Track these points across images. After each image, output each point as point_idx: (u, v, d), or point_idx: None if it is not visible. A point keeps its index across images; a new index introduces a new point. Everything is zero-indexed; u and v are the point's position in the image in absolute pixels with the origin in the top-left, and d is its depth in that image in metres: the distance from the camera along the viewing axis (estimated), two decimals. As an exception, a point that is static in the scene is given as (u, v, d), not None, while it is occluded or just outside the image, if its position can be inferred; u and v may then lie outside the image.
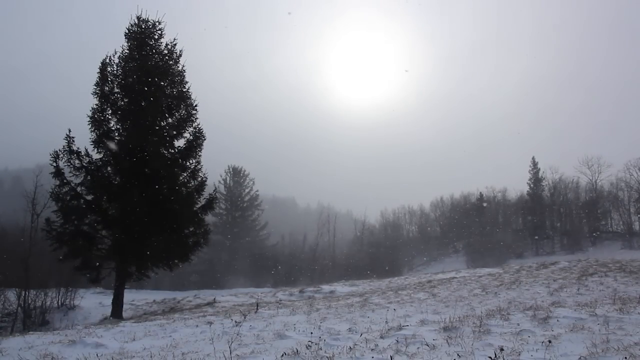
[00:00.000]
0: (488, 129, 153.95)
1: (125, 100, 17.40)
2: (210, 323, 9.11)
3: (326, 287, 21.56)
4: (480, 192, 79.85)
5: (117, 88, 17.44)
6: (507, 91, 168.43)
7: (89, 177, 16.53)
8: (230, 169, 55.61)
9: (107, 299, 19.38)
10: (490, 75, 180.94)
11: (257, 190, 55.99)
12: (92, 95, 17.09)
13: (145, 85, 17.26)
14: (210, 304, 18.96)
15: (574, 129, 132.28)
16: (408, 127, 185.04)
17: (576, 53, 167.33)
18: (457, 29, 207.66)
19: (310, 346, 5.59)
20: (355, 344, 5.57)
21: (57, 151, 16.26)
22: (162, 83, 17.87)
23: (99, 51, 17.81)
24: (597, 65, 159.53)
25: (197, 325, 9.00)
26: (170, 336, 7.81)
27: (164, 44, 18.18)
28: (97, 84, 17.13)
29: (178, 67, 18.36)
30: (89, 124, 16.82)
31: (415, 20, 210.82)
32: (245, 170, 56.18)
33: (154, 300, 21.50)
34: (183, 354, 5.98)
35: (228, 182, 55.08)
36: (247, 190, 55.70)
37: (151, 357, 5.95)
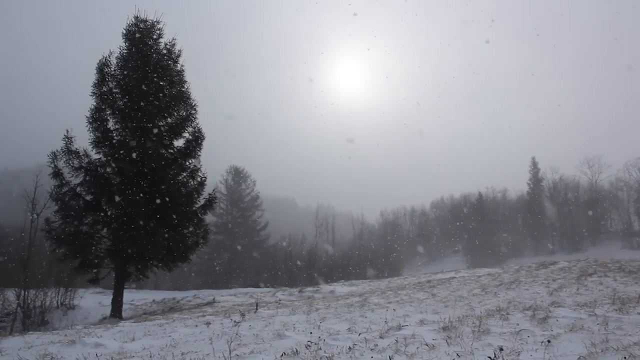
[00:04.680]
0: (488, 129, 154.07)
1: (124, 100, 17.37)
2: (209, 323, 9.11)
3: (325, 287, 21.55)
4: (480, 192, 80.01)
5: (115, 88, 17.41)
6: (507, 91, 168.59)
7: (88, 178, 16.54)
8: (232, 169, 55.67)
9: (107, 299, 19.37)
10: (490, 76, 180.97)
11: (258, 191, 56.08)
12: (90, 96, 17.06)
13: (144, 85, 17.25)
14: (209, 303, 18.94)
15: (575, 129, 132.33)
16: (408, 127, 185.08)
17: (577, 54, 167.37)
18: (456, 32, 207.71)
19: (309, 346, 5.58)
20: (355, 344, 5.57)
21: (55, 152, 16.24)
22: (161, 83, 17.86)
23: (99, 51, 17.73)
24: (598, 65, 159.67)
25: (196, 325, 9.00)
26: (170, 336, 7.81)
27: (162, 44, 18.19)
28: (95, 84, 17.10)
29: (177, 66, 18.38)
30: (87, 125, 16.82)
31: (415, 22, 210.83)
32: (246, 171, 56.28)
33: (154, 300, 21.47)
34: (182, 353, 5.98)
35: (229, 182, 55.10)
36: (247, 191, 55.74)
37: (151, 357, 5.95)
